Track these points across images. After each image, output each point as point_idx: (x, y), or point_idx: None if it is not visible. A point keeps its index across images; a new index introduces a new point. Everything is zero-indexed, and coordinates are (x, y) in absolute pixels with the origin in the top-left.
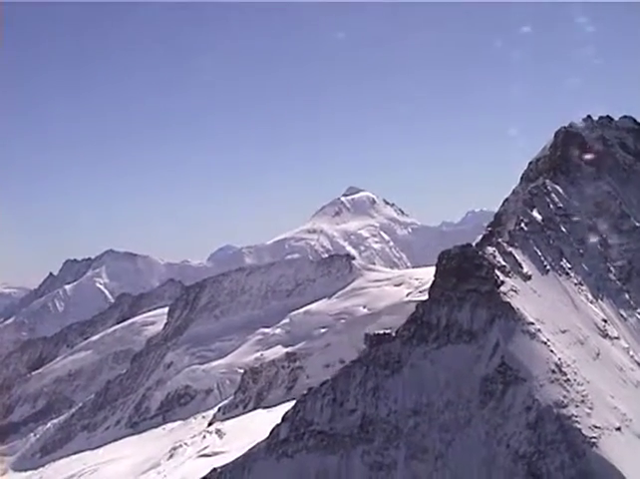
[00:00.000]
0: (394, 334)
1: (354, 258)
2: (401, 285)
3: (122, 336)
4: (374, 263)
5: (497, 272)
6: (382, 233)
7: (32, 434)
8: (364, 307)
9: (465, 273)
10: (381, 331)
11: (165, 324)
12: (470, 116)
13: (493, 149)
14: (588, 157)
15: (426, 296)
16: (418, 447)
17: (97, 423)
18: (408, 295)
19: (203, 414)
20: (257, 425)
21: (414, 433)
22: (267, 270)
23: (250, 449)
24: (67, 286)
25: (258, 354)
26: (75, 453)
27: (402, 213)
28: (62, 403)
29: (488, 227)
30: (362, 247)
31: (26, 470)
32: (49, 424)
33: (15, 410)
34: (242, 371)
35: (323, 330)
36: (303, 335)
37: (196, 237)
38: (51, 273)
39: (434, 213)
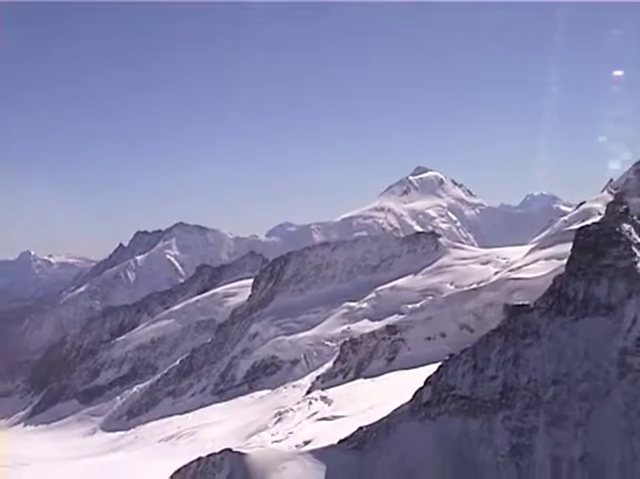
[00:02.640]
0: (532, 306)
1: (440, 236)
2: (487, 264)
3: (203, 306)
4: None
5: (635, 249)
6: (449, 213)
7: (118, 397)
8: (451, 284)
9: (602, 249)
10: (519, 303)
11: (250, 296)
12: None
13: (552, 134)
14: None
15: (517, 275)
16: (558, 415)
17: (182, 389)
18: (496, 274)
19: (294, 383)
20: (363, 393)
21: (553, 401)
22: (352, 246)
23: (394, 411)
24: (138, 257)
25: (345, 327)
26: (161, 417)
27: (470, 193)
28: (145, 369)
29: (613, 203)
30: (429, 227)
31: (114, 431)
32: (134, 389)
33: (100, 374)
34: (341, 342)
35: (410, 306)
36: (390, 310)
37: (252, 212)
38: (121, 244)
39: (491, 195)
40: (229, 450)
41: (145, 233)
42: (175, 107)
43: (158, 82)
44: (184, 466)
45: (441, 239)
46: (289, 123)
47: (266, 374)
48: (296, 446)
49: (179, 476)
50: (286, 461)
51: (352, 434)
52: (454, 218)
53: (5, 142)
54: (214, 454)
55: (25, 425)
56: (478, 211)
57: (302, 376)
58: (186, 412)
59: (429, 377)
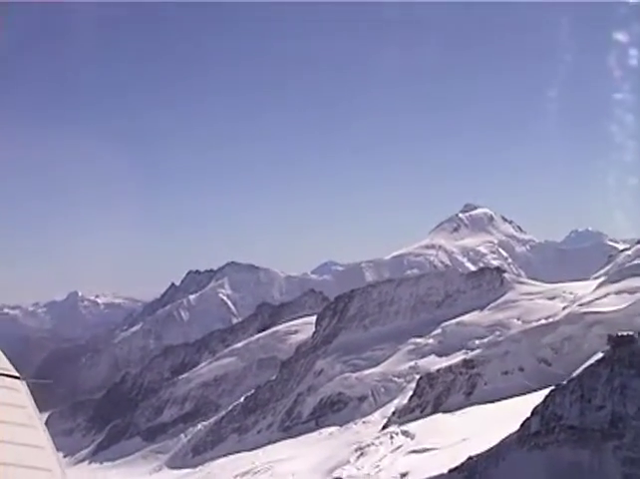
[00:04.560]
0: (637, 336)
1: (505, 271)
2: (554, 299)
3: (265, 344)
4: None
5: None
6: (500, 249)
7: (182, 435)
8: (518, 320)
9: None
10: (624, 333)
11: (314, 333)
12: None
13: (596, 171)
14: None
15: (594, 309)
16: None
17: (248, 426)
18: (564, 309)
19: (363, 420)
20: (446, 427)
21: None
22: (416, 282)
23: (502, 440)
24: (191, 297)
25: (412, 363)
26: (227, 454)
27: (520, 230)
28: (209, 407)
29: None
30: (481, 264)
31: (180, 468)
32: (199, 426)
33: (164, 412)
34: (411, 377)
35: (478, 341)
36: (457, 345)
37: (297, 250)
38: (173, 284)
39: (535, 231)
40: None
41: (196, 272)
42: (226, 148)
43: (207, 125)
44: None
45: (506, 275)
46: (335, 164)
47: (333, 411)
48: (393, 478)
49: None
50: None
51: (462, 464)
52: (504, 254)
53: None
54: None
55: (90, 463)
56: (528, 247)
57: (370, 413)
58: (253, 449)
59: (536, 407)
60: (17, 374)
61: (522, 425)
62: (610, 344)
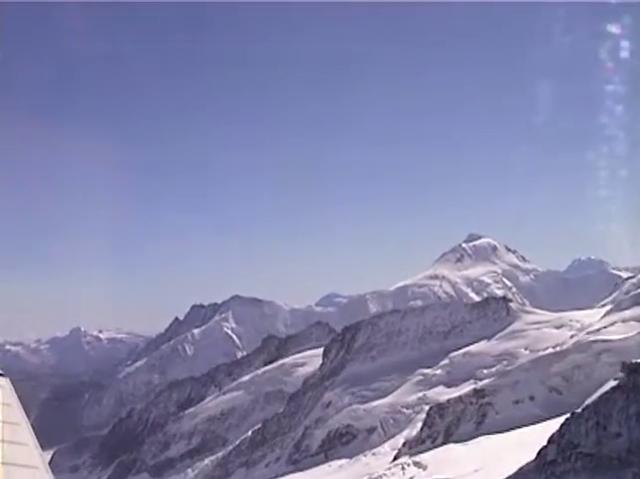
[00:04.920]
0: None
1: (511, 301)
2: (561, 328)
3: (272, 377)
4: None
5: None
6: (504, 279)
7: (189, 470)
8: (525, 349)
9: None
10: (638, 360)
11: (321, 365)
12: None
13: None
14: None
15: (603, 337)
16: None
17: (255, 460)
18: (572, 337)
19: (373, 451)
20: (458, 457)
21: None
22: (422, 313)
23: (519, 469)
24: (195, 331)
25: (421, 394)
26: None
27: (523, 259)
28: (216, 441)
29: None
30: (484, 294)
31: None
32: (206, 461)
33: (171, 447)
34: (421, 408)
35: (486, 371)
36: (465, 376)
37: (299, 283)
38: (177, 318)
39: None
40: None
41: (200, 306)
42: (225, 177)
43: (211, 154)
44: None
45: (512, 304)
46: (338, 194)
47: (342, 443)
48: None
49: None
50: None
51: None
52: (509, 284)
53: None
54: None
55: None
56: (532, 276)
57: (379, 444)
58: None
59: (552, 435)
60: (1, 372)
61: (539, 454)
62: (624, 371)
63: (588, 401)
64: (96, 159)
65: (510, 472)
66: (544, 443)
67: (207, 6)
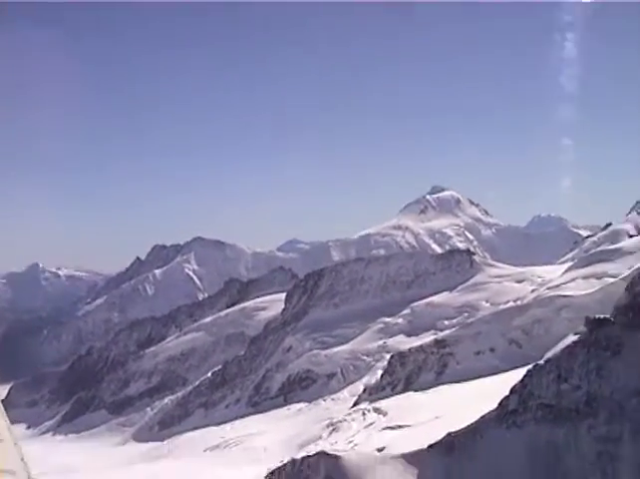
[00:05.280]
0: (613, 319)
1: (474, 254)
2: (523, 282)
3: (234, 319)
4: None
5: None
6: (466, 232)
7: (148, 408)
8: (487, 302)
9: None
10: (601, 316)
11: (283, 310)
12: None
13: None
14: None
15: (563, 293)
16: None
17: (215, 401)
18: (533, 292)
19: (332, 396)
20: (418, 405)
21: (637, 411)
22: (386, 262)
23: (480, 418)
24: (156, 271)
25: (381, 342)
26: (194, 428)
27: (486, 213)
28: (176, 381)
29: None
30: (447, 246)
31: (146, 441)
32: (166, 400)
33: (130, 385)
34: (379, 355)
35: (447, 322)
36: (425, 326)
37: (260, 227)
38: (138, 258)
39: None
40: (325, 453)
41: (162, 247)
42: (192, 121)
43: (173, 97)
44: (278, 468)
45: (475, 257)
46: (303, 141)
47: (302, 387)
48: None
49: (274, 477)
50: (380, 464)
51: (441, 439)
52: (470, 237)
53: (11, 149)
54: (309, 456)
55: (54, 434)
56: (494, 230)
57: (339, 390)
58: (221, 423)
59: (514, 386)
60: None
61: (501, 404)
62: (587, 326)
63: (549, 354)
64: (59, 91)
65: (471, 420)
66: (504, 393)
67: None
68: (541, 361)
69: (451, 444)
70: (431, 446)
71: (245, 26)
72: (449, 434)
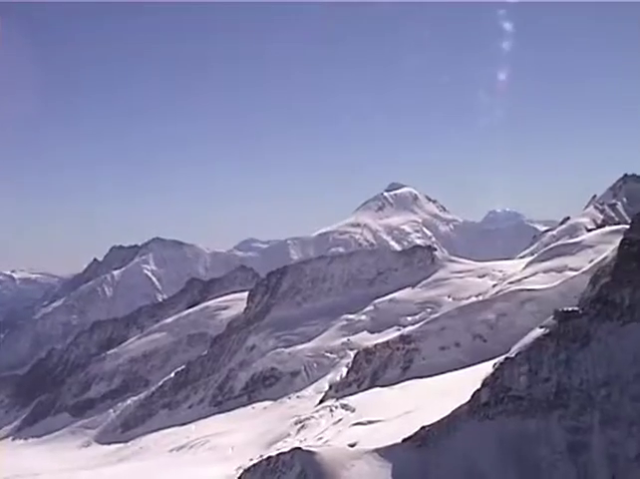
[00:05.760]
0: (580, 311)
1: (435, 249)
2: (484, 277)
3: (195, 319)
4: None
5: None
6: (424, 228)
7: (111, 410)
8: (449, 297)
9: None
10: (569, 308)
11: (246, 309)
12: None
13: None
14: None
15: (527, 287)
16: (611, 414)
17: (178, 401)
18: (494, 287)
19: (297, 394)
20: (385, 400)
21: (606, 401)
22: (348, 259)
23: (453, 411)
24: (114, 272)
25: (345, 339)
26: (158, 429)
27: (443, 209)
28: (138, 382)
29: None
30: (405, 243)
31: (110, 443)
32: (128, 401)
33: (92, 387)
34: (355, 352)
35: (409, 318)
36: (388, 322)
37: (216, 227)
38: (95, 259)
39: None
40: (299, 449)
41: (120, 247)
42: (148, 122)
43: (134, 101)
44: (253, 465)
45: (436, 253)
46: (259, 141)
47: (265, 386)
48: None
49: (249, 475)
50: (354, 459)
51: (415, 433)
52: (428, 233)
53: None
54: (284, 453)
55: (14, 439)
56: (452, 226)
57: (304, 387)
58: (185, 424)
59: (485, 379)
60: None
61: (473, 397)
62: (556, 319)
63: (517, 347)
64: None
65: (441, 414)
66: (470, 388)
67: None
68: (512, 354)
69: (424, 438)
70: (405, 440)
71: None
72: (422, 428)
